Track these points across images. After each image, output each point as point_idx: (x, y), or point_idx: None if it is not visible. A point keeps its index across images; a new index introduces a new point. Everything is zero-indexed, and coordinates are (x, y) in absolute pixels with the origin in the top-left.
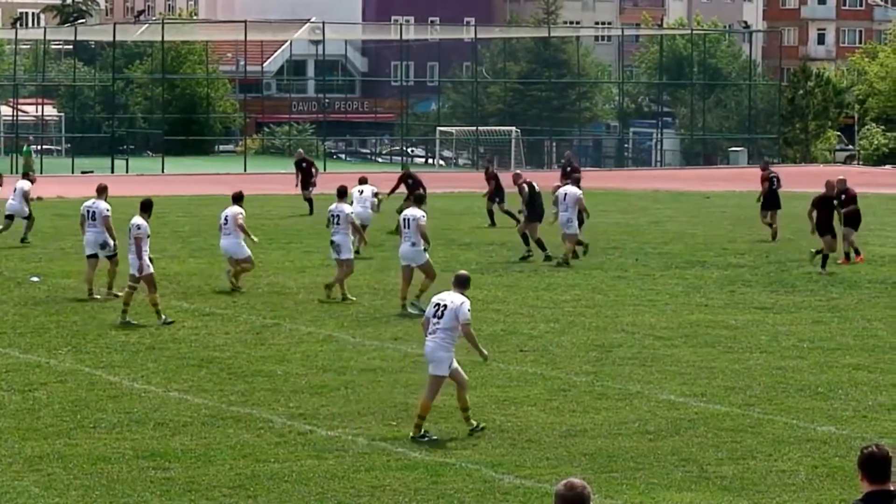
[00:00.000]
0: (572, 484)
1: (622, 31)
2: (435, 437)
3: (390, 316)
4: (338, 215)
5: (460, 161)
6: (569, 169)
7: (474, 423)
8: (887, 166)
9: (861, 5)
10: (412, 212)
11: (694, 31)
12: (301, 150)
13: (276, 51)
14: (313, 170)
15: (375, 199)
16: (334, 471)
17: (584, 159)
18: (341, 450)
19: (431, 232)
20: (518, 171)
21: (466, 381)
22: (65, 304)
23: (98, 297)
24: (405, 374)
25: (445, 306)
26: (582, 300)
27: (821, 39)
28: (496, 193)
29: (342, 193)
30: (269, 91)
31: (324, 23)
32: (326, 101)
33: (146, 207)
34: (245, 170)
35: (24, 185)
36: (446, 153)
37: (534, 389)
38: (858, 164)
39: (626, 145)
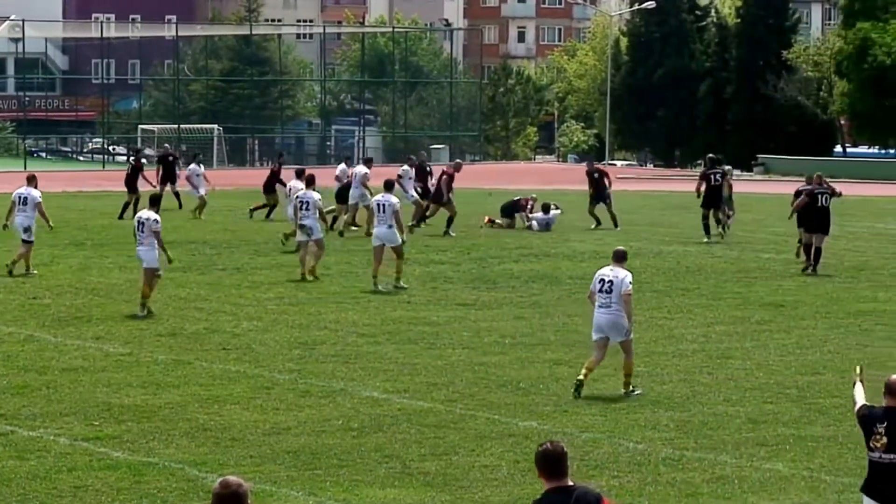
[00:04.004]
0: (227, 482)
1: (324, 29)
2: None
3: (92, 315)
4: (307, 201)
5: None
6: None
7: (632, 387)
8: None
9: (560, 4)
10: (388, 197)
11: (395, 29)
12: (167, 144)
13: None
14: (177, 165)
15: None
16: (36, 471)
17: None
18: (43, 450)
19: (130, 231)
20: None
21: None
22: None
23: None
24: (107, 374)
25: (611, 281)
26: (285, 298)
27: (521, 37)
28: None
29: (310, 181)
30: None
31: (23, 20)
32: (27, 99)
33: (155, 202)
34: None
35: None
36: (148, 151)
37: (237, 388)
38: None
39: (328, 143)
